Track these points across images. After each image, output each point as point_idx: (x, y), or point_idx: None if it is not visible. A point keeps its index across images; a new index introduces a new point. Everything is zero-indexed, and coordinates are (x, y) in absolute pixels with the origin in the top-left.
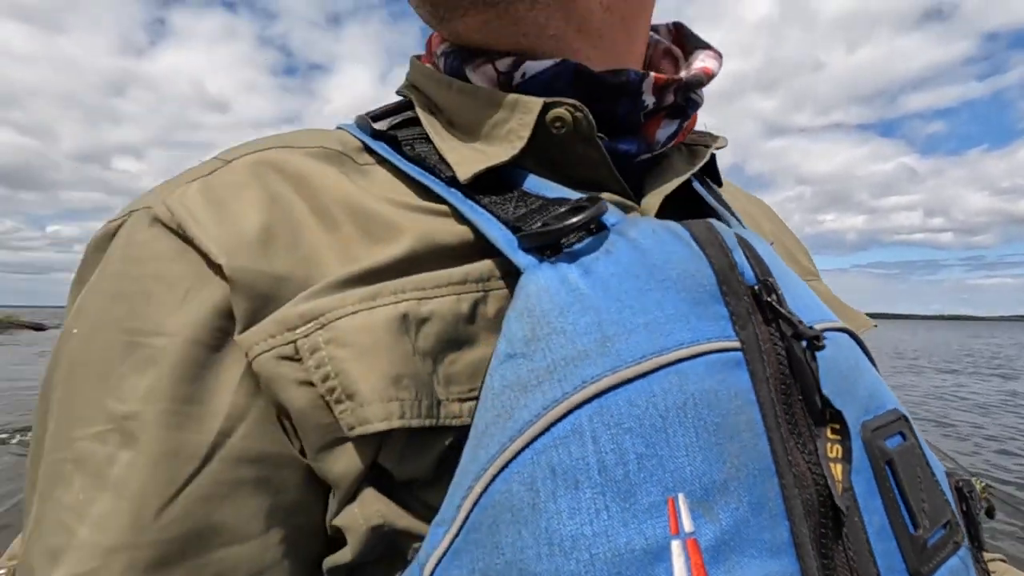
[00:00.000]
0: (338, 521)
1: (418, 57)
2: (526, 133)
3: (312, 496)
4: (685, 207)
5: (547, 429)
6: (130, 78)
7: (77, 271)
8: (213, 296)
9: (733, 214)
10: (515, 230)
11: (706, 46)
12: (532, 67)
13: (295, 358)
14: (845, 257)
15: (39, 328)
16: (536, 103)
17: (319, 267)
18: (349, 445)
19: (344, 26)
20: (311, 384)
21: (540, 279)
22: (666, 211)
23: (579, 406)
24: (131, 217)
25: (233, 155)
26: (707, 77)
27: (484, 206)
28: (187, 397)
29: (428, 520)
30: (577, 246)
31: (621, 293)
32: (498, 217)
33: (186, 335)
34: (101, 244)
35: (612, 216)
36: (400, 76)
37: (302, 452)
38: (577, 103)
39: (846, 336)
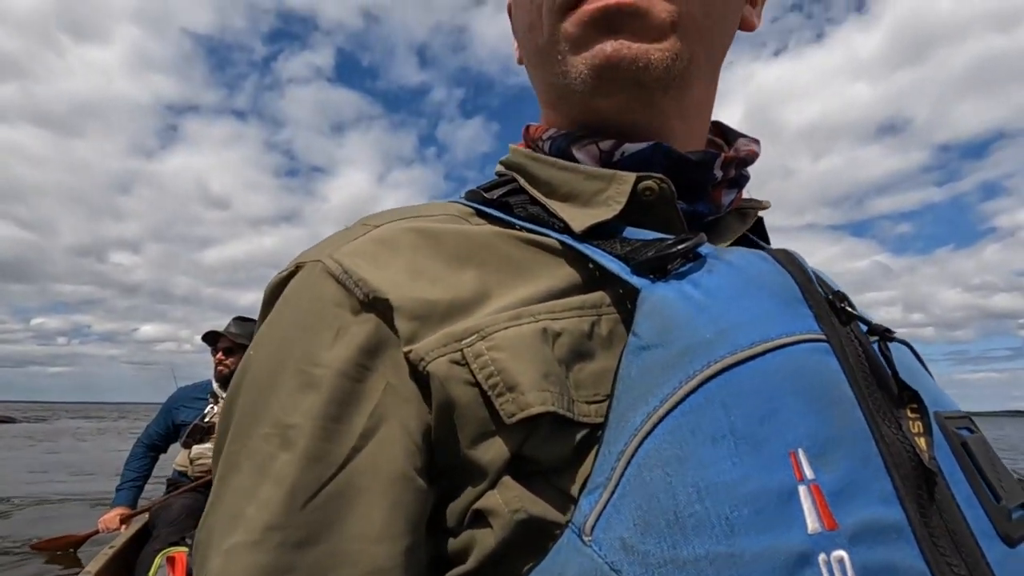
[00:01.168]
0: (480, 504)
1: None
2: (623, 199)
3: (425, 506)
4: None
5: (684, 398)
6: (137, 177)
7: (260, 311)
8: (360, 333)
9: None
10: (626, 260)
11: (743, 135)
12: (631, 148)
13: (462, 363)
14: None
15: (9, 421)
16: (631, 176)
17: (462, 296)
18: (500, 436)
19: (346, 134)
20: (474, 384)
21: (658, 292)
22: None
23: (709, 379)
24: (301, 268)
25: (377, 222)
26: (754, 156)
27: (596, 246)
28: (335, 417)
29: (559, 506)
30: (681, 269)
31: (727, 298)
32: (610, 253)
33: (337, 368)
34: (276, 290)
35: (706, 248)
36: (396, 179)
37: (435, 463)
38: (663, 177)
39: (904, 347)
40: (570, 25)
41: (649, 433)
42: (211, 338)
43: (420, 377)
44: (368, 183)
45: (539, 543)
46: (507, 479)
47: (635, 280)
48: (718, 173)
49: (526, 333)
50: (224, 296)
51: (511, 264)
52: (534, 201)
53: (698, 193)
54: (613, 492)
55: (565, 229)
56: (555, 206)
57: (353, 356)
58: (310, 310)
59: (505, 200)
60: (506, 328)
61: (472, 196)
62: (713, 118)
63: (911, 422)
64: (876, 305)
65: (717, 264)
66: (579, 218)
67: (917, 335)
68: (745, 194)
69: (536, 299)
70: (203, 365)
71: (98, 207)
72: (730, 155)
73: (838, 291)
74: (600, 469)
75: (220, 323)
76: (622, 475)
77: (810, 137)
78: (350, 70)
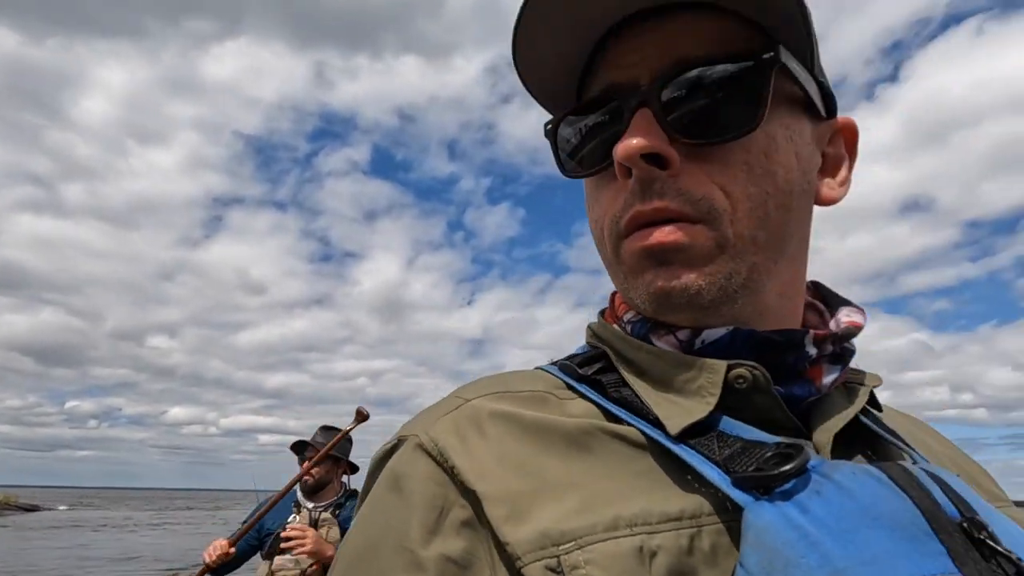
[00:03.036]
0: None
1: (602, 312)
2: (717, 390)
3: None
4: (854, 441)
5: None
6: (181, 266)
7: (365, 481)
8: (459, 518)
9: (905, 443)
10: (725, 469)
11: (847, 302)
12: (711, 335)
13: (557, 570)
14: None
15: (33, 509)
16: (721, 365)
17: (549, 485)
18: None
19: (378, 220)
20: None
21: (764, 516)
22: (838, 446)
23: None
24: (403, 443)
25: (469, 395)
26: (856, 329)
27: (692, 447)
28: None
29: None
30: (786, 486)
31: (840, 531)
32: (707, 457)
33: (443, 551)
34: (380, 462)
35: (812, 459)
36: (425, 262)
37: None
38: (755, 364)
39: None
40: (626, 253)
41: None
42: (299, 447)
43: (515, 573)
44: (398, 267)
45: None
46: None
47: (736, 495)
48: (811, 351)
49: (624, 550)
50: (254, 379)
51: (601, 460)
52: (624, 382)
53: (792, 375)
54: None
55: (657, 423)
56: (648, 394)
57: (458, 543)
58: (411, 489)
59: (598, 379)
60: (604, 540)
61: (565, 368)
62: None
63: None
64: (920, 385)
65: (825, 485)
66: (674, 417)
67: (969, 417)
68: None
69: (631, 505)
70: (228, 450)
71: (143, 294)
72: (823, 333)
73: (972, 518)
74: None
75: (249, 405)
76: None
77: (835, 216)
78: (385, 163)
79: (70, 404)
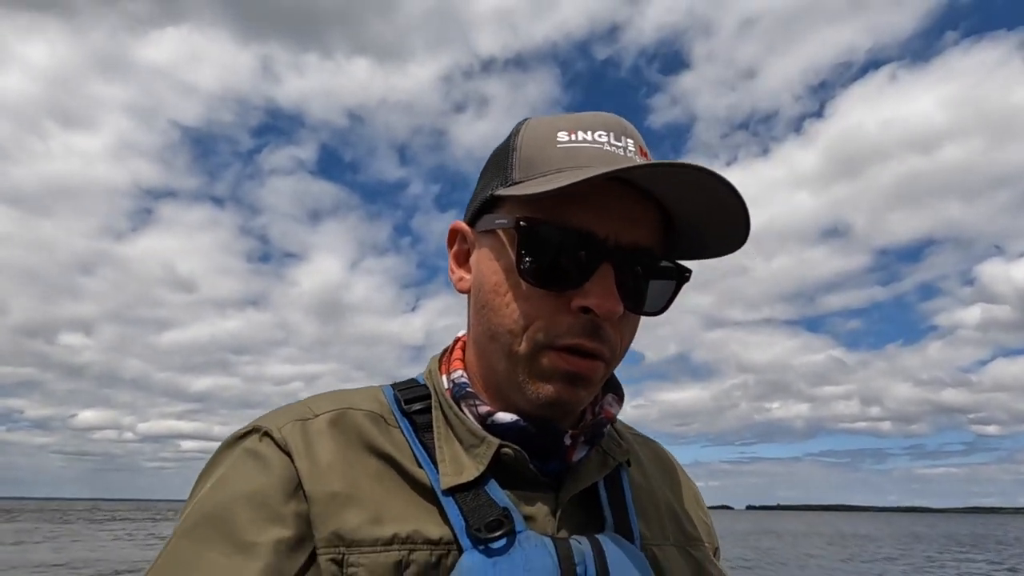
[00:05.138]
0: None
1: (442, 353)
2: (487, 460)
3: None
4: (590, 500)
5: None
6: (102, 259)
7: (215, 455)
8: (295, 508)
9: (625, 504)
10: (466, 520)
11: (616, 389)
12: (499, 418)
13: (340, 564)
14: (797, 445)
15: None
16: (495, 443)
17: (359, 498)
18: None
19: (322, 221)
20: None
21: (470, 561)
22: (575, 502)
23: None
24: (258, 432)
25: (319, 409)
26: (609, 420)
27: (455, 498)
28: (290, 547)
29: None
30: (496, 544)
31: None
32: (460, 508)
33: (275, 539)
34: (234, 442)
35: (519, 525)
36: (369, 266)
37: None
38: (518, 448)
39: None
40: (544, 362)
41: None
42: None
43: (313, 558)
44: (340, 269)
45: None
46: None
47: (464, 541)
48: (567, 441)
49: (390, 560)
50: (177, 381)
51: (395, 489)
52: (430, 428)
53: (552, 454)
54: None
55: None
56: (442, 446)
57: (290, 529)
58: (269, 464)
59: (412, 419)
60: (377, 552)
61: (396, 398)
62: None
63: None
64: (836, 399)
65: (517, 550)
66: (450, 475)
67: (877, 429)
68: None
69: (405, 528)
70: (143, 456)
71: (55, 286)
72: (578, 432)
73: None
74: None
75: (170, 409)
76: None
77: (762, 239)
78: (332, 164)
79: None
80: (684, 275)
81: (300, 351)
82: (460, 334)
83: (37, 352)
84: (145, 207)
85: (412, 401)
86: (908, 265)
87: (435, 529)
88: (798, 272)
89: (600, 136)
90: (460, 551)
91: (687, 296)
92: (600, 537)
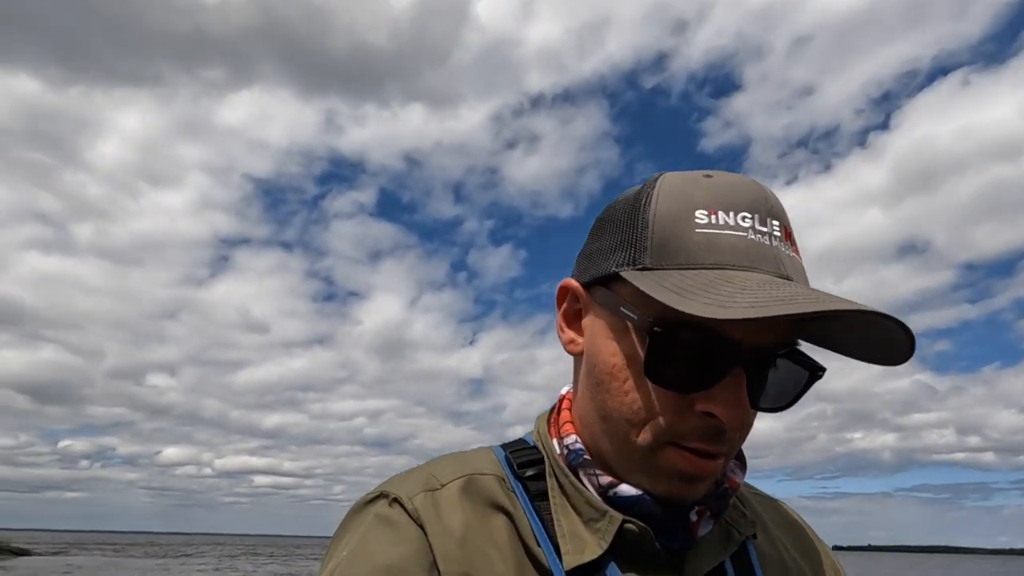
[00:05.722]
0: None
1: (549, 413)
2: (610, 537)
3: None
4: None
5: None
6: (184, 305)
7: (344, 521)
8: None
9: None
10: None
11: (738, 457)
12: (623, 491)
13: None
14: (886, 479)
15: (24, 554)
16: (618, 519)
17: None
18: None
19: (382, 261)
20: None
21: None
22: None
23: None
24: (387, 497)
25: (445, 477)
26: (733, 490)
27: None
28: None
29: None
30: None
31: None
32: None
33: None
34: (363, 507)
35: None
36: (427, 302)
37: None
38: (644, 525)
39: None
40: (663, 457)
41: None
42: None
43: None
44: (400, 307)
45: None
46: None
47: None
48: (693, 517)
49: None
50: (249, 418)
51: (522, 563)
52: (546, 496)
53: (677, 530)
54: None
55: (558, 551)
56: (560, 519)
57: None
58: (403, 532)
59: (527, 485)
60: None
61: (508, 460)
62: None
63: None
64: (927, 428)
65: None
66: (571, 554)
67: (978, 461)
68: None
69: None
70: (219, 491)
71: (143, 333)
72: (702, 508)
73: None
74: None
75: (244, 445)
76: None
77: (829, 259)
78: (390, 205)
79: (63, 443)
80: (818, 373)
81: (363, 387)
82: (565, 391)
83: (127, 393)
84: (222, 255)
85: (525, 466)
86: (1000, 280)
87: None
88: (873, 293)
89: (744, 220)
90: None
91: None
92: None
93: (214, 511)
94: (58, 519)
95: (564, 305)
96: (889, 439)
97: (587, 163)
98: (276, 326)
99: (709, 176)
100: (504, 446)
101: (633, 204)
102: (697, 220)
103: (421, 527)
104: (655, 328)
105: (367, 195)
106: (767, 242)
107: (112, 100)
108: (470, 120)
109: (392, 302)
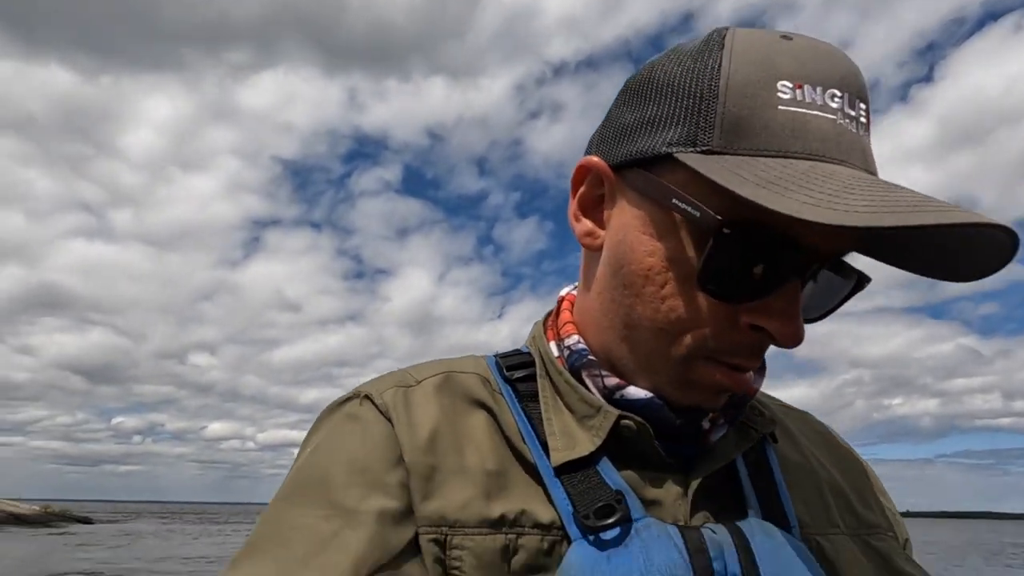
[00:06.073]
0: None
1: (546, 316)
2: (604, 434)
3: None
4: (727, 482)
5: None
6: (221, 286)
7: (315, 423)
8: (397, 477)
9: (774, 484)
10: (574, 505)
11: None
12: (630, 393)
13: (441, 544)
14: (927, 445)
15: (87, 522)
16: (614, 414)
17: (463, 473)
18: None
19: (409, 237)
20: (444, 564)
21: (578, 553)
22: (709, 486)
23: None
24: (357, 397)
25: (422, 375)
26: (751, 396)
27: (561, 478)
28: (393, 519)
29: None
30: (609, 534)
31: None
32: (567, 492)
33: (378, 509)
34: (334, 408)
35: (636, 512)
36: (455, 277)
37: None
38: (642, 421)
39: None
40: (700, 369)
41: None
42: None
43: (415, 536)
44: (428, 282)
45: None
46: None
47: (572, 530)
48: (706, 424)
49: (493, 545)
50: (288, 394)
51: (500, 464)
52: (536, 397)
53: (685, 437)
54: None
55: (546, 447)
56: (550, 418)
57: (392, 500)
58: (369, 428)
59: (517, 387)
60: (484, 534)
61: (498, 364)
62: None
63: None
64: (970, 393)
65: (634, 540)
66: (560, 450)
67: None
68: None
69: (513, 509)
70: (263, 464)
71: (184, 314)
72: (717, 415)
73: None
74: None
75: (283, 420)
76: None
77: None
78: (415, 182)
79: (116, 420)
80: (863, 283)
81: (396, 362)
82: (566, 291)
83: (172, 372)
84: (254, 236)
85: (515, 368)
86: None
87: (544, 512)
88: None
89: (834, 100)
90: (569, 541)
91: None
92: (742, 524)
93: (259, 482)
94: (115, 491)
95: (582, 189)
96: (930, 405)
97: None
98: (308, 305)
99: (788, 38)
100: (496, 354)
101: (694, 66)
102: (780, 94)
103: (389, 420)
104: (724, 228)
105: (392, 172)
106: (854, 130)
107: (140, 87)
108: (492, 91)
109: (420, 278)
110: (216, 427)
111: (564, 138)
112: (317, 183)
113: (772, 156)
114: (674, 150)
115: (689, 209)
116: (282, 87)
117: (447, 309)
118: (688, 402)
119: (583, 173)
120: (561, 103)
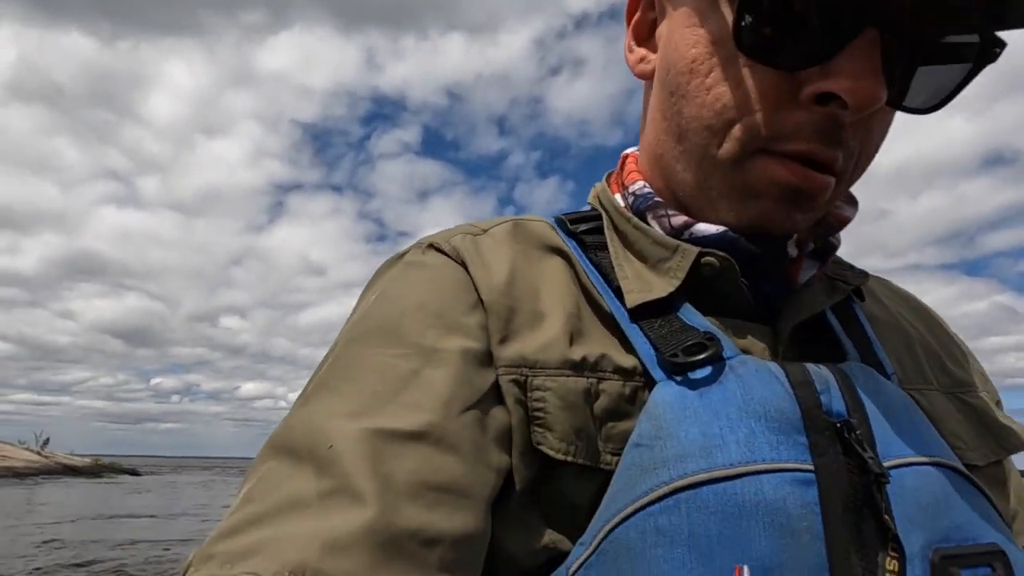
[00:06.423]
0: (512, 513)
1: (609, 174)
2: (683, 274)
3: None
4: (817, 335)
5: (656, 501)
6: (248, 251)
7: (373, 276)
8: (479, 320)
9: (867, 336)
10: (657, 348)
11: (846, 193)
12: (700, 230)
13: (522, 386)
14: None
15: (135, 473)
16: (693, 251)
17: (542, 314)
18: (529, 457)
19: (430, 200)
20: (524, 405)
21: (667, 394)
22: (799, 337)
23: (680, 490)
24: (420, 246)
25: (485, 226)
26: (840, 224)
27: (639, 323)
28: (477, 359)
29: (572, 538)
30: (699, 373)
31: (724, 416)
32: (647, 336)
33: (460, 347)
34: (393, 260)
35: (729, 351)
36: None
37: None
38: (726, 255)
39: (934, 470)
40: (755, 169)
41: (623, 521)
42: None
43: (495, 378)
44: None
45: (541, 566)
46: (535, 502)
47: (656, 372)
48: (792, 252)
49: (579, 387)
50: (317, 355)
51: (579, 304)
52: (605, 248)
53: (770, 271)
54: (591, 554)
55: (619, 293)
56: (619, 269)
57: (475, 346)
58: (436, 272)
59: (583, 239)
60: (566, 376)
61: (560, 221)
62: None
63: (890, 559)
64: (1005, 351)
65: (729, 376)
66: (634, 291)
67: None
68: (850, 258)
69: (594, 353)
70: None
71: (214, 279)
72: (805, 236)
73: (848, 421)
74: (591, 531)
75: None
76: (598, 546)
77: (904, 176)
78: (435, 143)
79: (155, 381)
80: (992, 51)
81: None
82: (629, 151)
83: (205, 335)
84: (278, 200)
85: (579, 222)
86: None
87: (625, 358)
88: (953, 210)
89: None
90: (652, 384)
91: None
92: (844, 366)
93: None
94: (159, 447)
95: (636, 16)
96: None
97: (638, 84)
98: (333, 268)
99: None
100: (556, 214)
101: None
102: None
103: (462, 264)
104: None
105: (411, 134)
106: None
107: (159, 51)
108: (511, 46)
109: None
110: (249, 387)
111: (586, 94)
112: (337, 146)
113: None
114: None
115: None
116: (299, 48)
117: None
118: (756, 222)
119: (635, 1)
120: (583, 58)
